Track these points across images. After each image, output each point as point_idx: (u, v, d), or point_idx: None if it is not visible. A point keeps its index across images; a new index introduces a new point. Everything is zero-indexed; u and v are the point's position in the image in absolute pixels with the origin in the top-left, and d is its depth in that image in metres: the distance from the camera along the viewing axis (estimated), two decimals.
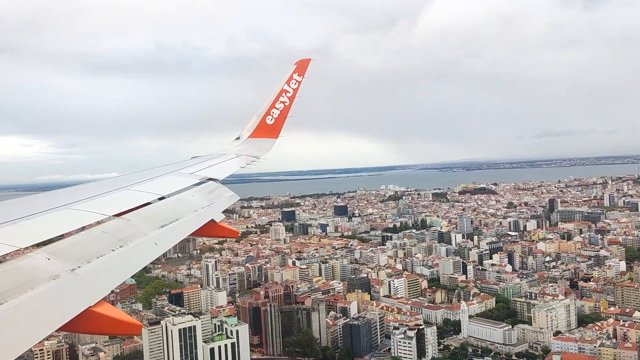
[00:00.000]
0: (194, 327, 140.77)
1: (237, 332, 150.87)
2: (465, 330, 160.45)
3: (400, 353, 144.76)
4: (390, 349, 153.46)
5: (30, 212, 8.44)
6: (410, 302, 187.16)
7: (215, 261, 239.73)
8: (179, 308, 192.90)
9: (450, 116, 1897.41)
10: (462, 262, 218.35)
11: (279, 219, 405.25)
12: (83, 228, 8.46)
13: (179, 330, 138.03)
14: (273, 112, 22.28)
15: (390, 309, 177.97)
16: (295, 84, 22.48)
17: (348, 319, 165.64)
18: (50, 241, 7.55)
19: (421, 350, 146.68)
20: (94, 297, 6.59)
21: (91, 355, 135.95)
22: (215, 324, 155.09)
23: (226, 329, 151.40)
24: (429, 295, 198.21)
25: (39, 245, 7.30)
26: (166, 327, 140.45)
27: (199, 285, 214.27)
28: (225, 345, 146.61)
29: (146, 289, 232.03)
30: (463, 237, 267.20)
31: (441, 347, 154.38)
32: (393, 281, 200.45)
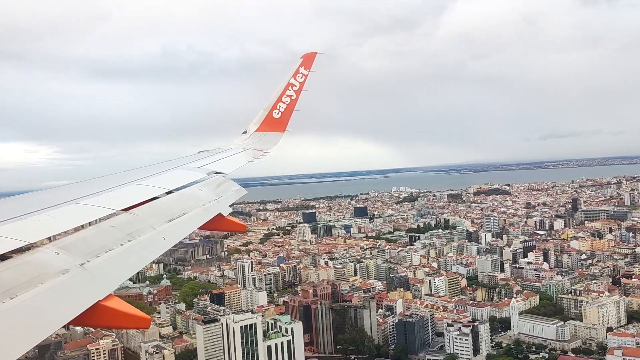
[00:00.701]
0: (255, 324, 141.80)
1: (291, 329, 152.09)
2: (515, 327, 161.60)
3: (457, 350, 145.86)
4: (443, 345, 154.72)
5: (39, 207, 8.47)
6: (453, 300, 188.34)
7: (252, 262, 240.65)
8: (222, 307, 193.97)
9: (455, 118, 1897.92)
10: (500, 260, 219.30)
11: (296, 221, 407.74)
12: (91, 223, 8.45)
13: (241, 327, 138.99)
14: (280, 106, 22.22)
15: (435, 307, 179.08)
16: (301, 77, 22.35)
17: (396, 317, 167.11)
18: (59, 236, 7.60)
19: (475, 347, 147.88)
20: (103, 291, 6.65)
21: (155, 353, 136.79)
22: (268, 322, 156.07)
23: (280, 326, 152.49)
24: (470, 294, 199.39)
25: (48, 239, 7.34)
26: (227, 324, 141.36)
27: (239, 286, 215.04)
28: (282, 343, 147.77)
29: (183, 290, 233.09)
30: (493, 237, 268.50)
31: (493, 344, 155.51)
32: (434, 280, 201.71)
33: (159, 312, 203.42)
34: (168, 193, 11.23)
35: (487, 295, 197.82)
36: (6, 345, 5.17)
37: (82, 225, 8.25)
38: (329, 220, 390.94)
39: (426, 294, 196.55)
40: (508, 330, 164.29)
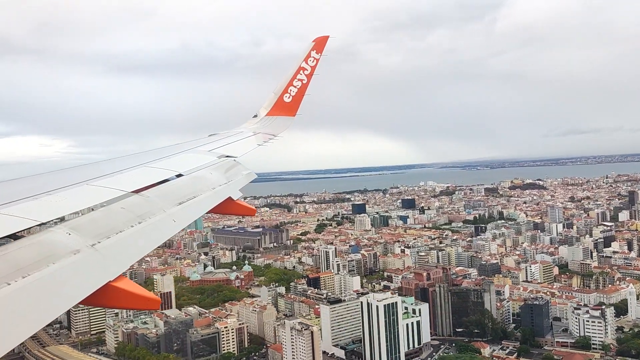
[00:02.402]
0: (396, 303, 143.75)
1: (419, 310, 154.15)
2: (633, 311, 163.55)
3: (587, 332, 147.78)
4: (566, 329, 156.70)
5: (51, 188, 8.50)
6: (554, 286, 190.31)
7: (335, 248, 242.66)
8: (324, 291, 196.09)
9: (472, 115, 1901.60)
10: (590, 249, 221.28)
11: (338, 213, 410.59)
12: (102, 204, 8.47)
13: (384, 306, 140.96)
14: (291, 90, 21.88)
15: (540, 292, 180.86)
16: (313, 61, 21.99)
17: (509, 301, 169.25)
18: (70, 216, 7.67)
19: (605, 330, 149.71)
20: (114, 272, 6.72)
21: (304, 329, 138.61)
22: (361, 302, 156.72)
23: (406, 307, 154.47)
24: (564, 281, 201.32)
25: (59, 220, 7.39)
26: (368, 303, 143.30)
27: (332, 271, 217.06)
28: (412, 324, 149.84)
29: (266, 275, 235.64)
30: (564, 227, 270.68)
31: (615, 327, 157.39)
32: (530, 267, 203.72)
33: (252, 296, 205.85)
34: (178, 176, 11.27)
35: (582, 283, 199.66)
36: (20, 322, 5.28)
37: (93, 207, 8.28)
38: (375, 212, 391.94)
39: (524, 281, 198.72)
40: (621, 316, 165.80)
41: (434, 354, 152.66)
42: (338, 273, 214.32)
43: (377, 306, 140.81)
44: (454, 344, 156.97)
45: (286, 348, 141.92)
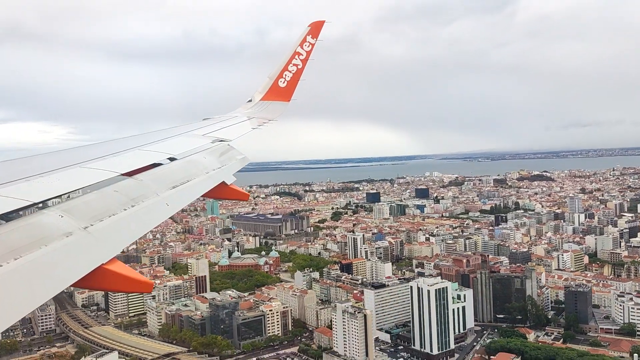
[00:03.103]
0: (446, 288, 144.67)
1: (464, 296, 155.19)
2: None
3: (633, 319, 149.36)
4: (608, 316, 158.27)
5: (44, 170, 8.46)
6: (587, 275, 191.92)
7: (363, 235, 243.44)
8: (359, 277, 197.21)
9: (474, 107, 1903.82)
10: (619, 239, 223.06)
11: (350, 202, 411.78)
12: (95, 186, 8.43)
13: (435, 290, 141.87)
14: (286, 75, 21.72)
15: (576, 280, 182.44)
16: (308, 46, 21.72)
17: (548, 288, 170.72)
18: (63, 198, 7.67)
19: None
20: (107, 255, 6.70)
21: (357, 313, 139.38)
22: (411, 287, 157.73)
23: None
24: (595, 270, 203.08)
25: (52, 201, 7.37)
26: (419, 287, 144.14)
27: (363, 257, 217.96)
28: (458, 309, 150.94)
29: (294, 261, 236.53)
30: (586, 217, 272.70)
31: None
32: (562, 255, 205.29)
33: (283, 281, 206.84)
34: (172, 160, 11.28)
35: (612, 272, 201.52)
36: (11, 304, 5.26)
37: (86, 188, 8.25)
38: (388, 201, 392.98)
39: (555, 269, 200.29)
40: None
41: (479, 339, 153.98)
42: (369, 259, 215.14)
43: (428, 291, 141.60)
44: (496, 330, 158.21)
45: (337, 331, 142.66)
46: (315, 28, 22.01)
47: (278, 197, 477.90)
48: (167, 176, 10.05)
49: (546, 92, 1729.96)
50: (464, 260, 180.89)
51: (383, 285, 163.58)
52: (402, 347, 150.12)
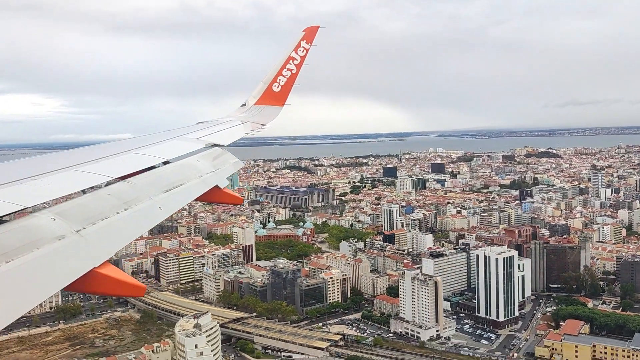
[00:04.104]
0: (513, 257, 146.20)
1: (523, 265, 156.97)
2: None
3: None
4: None
5: (36, 173, 8.45)
6: (630, 247, 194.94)
7: (399, 207, 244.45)
8: (405, 247, 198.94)
9: (472, 84, 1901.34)
10: None
11: (362, 177, 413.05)
12: (89, 190, 8.42)
13: (503, 259, 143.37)
14: (280, 80, 21.76)
15: (620, 252, 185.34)
16: (303, 51, 21.79)
17: (598, 260, 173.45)
18: (55, 202, 7.61)
19: None
20: (99, 259, 6.66)
21: (428, 280, 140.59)
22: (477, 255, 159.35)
23: None
24: (634, 242, 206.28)
25: (44, 205, 7.32)
26: (485, 256, 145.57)
27: (398, 229, 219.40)
28: (518, 278, 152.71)
29: (331, 232, 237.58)
30: (612, 192, 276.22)
31: None
32: (602, 228, 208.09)
33: (323, 252, 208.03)
34: (165, 163, 11.30)
35: None
36: (1, 308, 5.23)
37: (79, 192, 8.24)
38: (404, 176, 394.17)
39: (597, 241, 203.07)
40: None
41: (537, 307, 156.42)
42: (410, 231, 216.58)
43: (496, 259, 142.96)
44: (551, 298, 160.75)
45: (405, 298, 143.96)
46: (310, 33, 22.01)
47: (289, 170, 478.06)
48: (161, 180, 10.08)
49: (544, 70, 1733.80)
50: (516, 231, 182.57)
51: (441, 255, 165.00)
52: (463, 314, 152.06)
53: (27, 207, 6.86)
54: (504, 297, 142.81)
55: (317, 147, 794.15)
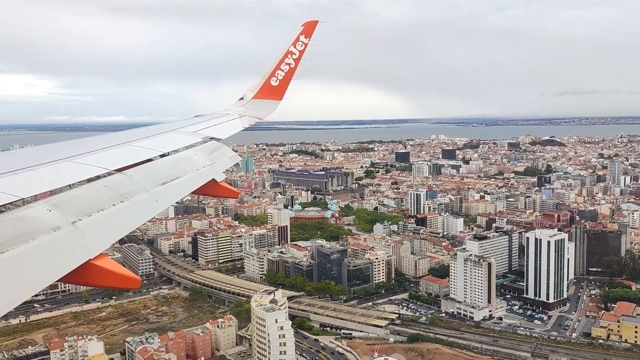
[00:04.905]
0: (563, 240, 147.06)
1: (567, 249, 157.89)
2: None
3: None
4: None
5: (32, 164, 8.42)
6: None
7: (427, 191, 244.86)
8: (440, 231, 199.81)
9: (469, 72, 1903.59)
10: None
11: (370, 162, 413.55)
12: (85, 181, 8.40)
13: (555, 242, 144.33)
14: (278, 74, 21.79)
15: None
16: (301, 45, 21.77)
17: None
18: (51, 193, 7.60)
19: None
20: (94, 250, 6.64)
21: (482, 261, 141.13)
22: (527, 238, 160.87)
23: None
24: None
25: (40, 196, 7.29)
26: (536, 238, 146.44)
27: (435, 212, 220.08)
28: (567, 260, 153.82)
29: (357, 215, 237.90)
30: (632, 180, 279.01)
31: None
32: (633, 214, 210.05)
33: (351, 233, 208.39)
34: (162, 156, 11.30)
35: None
36: None
37: (75, 184, 8.19)
38: (425, 161, 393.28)
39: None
40: None
41: (580, 289, 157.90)
42: (441, 214, 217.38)
43: (548, 241, 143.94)
44: (593, 282, 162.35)
45: (456, 278, 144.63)
46: (309, 28, 21.89)
47: (297, 155, 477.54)
48: (157, 172, 10.08)
49: (542, 59, 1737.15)
50: (555, 216, 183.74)
51: (485, 237, 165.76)
52: (509, 295, 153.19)
53: (22, 198, 6.76)
54: (555, 279, 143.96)
55: (316, 133, 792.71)
